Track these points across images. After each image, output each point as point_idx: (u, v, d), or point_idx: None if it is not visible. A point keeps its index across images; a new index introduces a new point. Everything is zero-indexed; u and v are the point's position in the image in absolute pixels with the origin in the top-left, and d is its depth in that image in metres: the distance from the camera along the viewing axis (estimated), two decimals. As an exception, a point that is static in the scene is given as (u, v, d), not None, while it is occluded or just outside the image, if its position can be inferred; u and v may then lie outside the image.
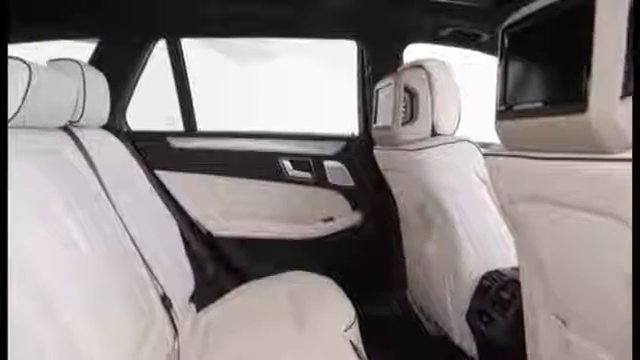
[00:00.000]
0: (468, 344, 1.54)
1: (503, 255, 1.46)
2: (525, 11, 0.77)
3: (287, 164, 2.21)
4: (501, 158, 0.91)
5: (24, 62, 0.98)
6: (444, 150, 1.46)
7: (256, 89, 3.76)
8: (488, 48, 1.97)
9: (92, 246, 1.06)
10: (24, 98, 0.97)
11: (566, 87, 0.68)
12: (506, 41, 0.84)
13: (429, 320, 1.93)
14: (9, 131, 0.98)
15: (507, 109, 0.85)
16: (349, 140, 2.24)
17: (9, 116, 0.96)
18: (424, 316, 1.97)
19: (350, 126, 2.28)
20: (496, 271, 1.43)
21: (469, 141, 1.46)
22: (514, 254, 1.37)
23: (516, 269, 1.38)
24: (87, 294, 0.96)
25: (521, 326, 1.06)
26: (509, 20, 0.82)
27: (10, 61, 0.97)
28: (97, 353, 0.91)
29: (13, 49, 1.85)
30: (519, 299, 1.21)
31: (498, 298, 1.34)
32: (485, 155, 0.97)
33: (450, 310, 1.59)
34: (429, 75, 1.54)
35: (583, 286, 0.79)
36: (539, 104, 0.75)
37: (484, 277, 1.44)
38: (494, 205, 1.44)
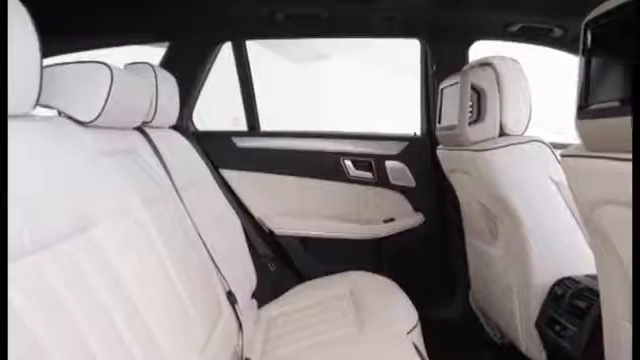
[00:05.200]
0: (536, 353, 1.48)
1: (577, 261, 1.39)
2: (611, 3, 0.73)
3: (349, 164, 2.21)
4: (580, 159, 0.86)
5: (107, 66, 1.04)
6: (513, 150, 1.41)
7: (316, 89, 3.79)
8: (561, 44, 1.87)
9: (165, 242, 1.10)
10: (106, 100, 1.02)
11: None
12: (589, 36, 0.80)
13: (492, 325, 1.87)
14: (91, 130, 1.04)
15: (588, 107, 0.80)
16: (411, 140, 2.20)
17: (92, 117, 1.02)
18: (487, 321, 1.91)
19: (412, 126, 2.24)
20: (569, 278, 1.36)
21: (541, 141, 1.40)
22: (588, 260, 1.31)
23: (591, 276, 1.31)
24: (159, 286, 1.01)
25: (599, 338, 1.00)
26: (593, 13, 0.78)
27: (95, 65, 1.03)
28: (170, 344, 0.94)
29: (84, 55, 1.97)
30: (596, 309, 1.14)
31: (572, 307, 1.27)
32: (563, 156, 0.92)
33: (517, 316, 1.53)
34: (497, 73, 1.49)
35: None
36: (624, 102, 0.70)
37: (556, 284, 1.37)
38: (568, 208, 1.38)
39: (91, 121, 1.03)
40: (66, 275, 0.75)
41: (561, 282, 1.37)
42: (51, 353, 0.66)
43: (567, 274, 1.39)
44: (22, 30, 0.74)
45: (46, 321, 0.68)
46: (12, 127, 0.74)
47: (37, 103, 0.80)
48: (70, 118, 1.02)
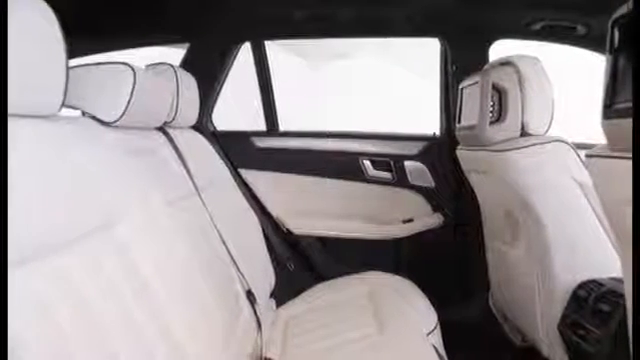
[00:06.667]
0: (559, 357, 1.46)
1: (600, 263, 1.36)
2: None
3: (367, 164, 2.20)
4: (605, 159, 0.85)
5: (130, 67, 1.05)
6: (535, 151, 1.39)
7: (335, 88, 3.78)
8: (585, 42, 1.84)
9: (185, 241, 1.11)
10: (129, 100, 1.04)
11: None
12: (616, 33, 0.78)
13: (512, 327, 1.85)
14: (114, 130, 1.05)
15: (614, 106, 0.79)
16: (430, 140, 2.19)
17: (115, 117, 1.03)
18: (507, 323, 1.89)
19: (431, 126, 2.23)
20: (593, 280, 1.34)
21: (564, 141, 1.38)
22: (613, 262, 1.28)
23: (616, 279, 1.28)
24: (180, 285, 1.01)
25: (624, 342, 0.98)
26: (620, 11, 0.76)
27: (118, 66, 1.04)
28: (191, 343, 0.95)
29: (105, 56, 2.00)
30: (621, 312, 1.12)
31: (596, 310, 1.25)
32: (588, 156, 0.91)
33: (539, 319, 1.51)
34: (519, 72, 1.47)
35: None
36: None
37: (579, 286, 1.35)
38: (592, 209, 1.35)
39: (114, 121, 1.04)
40: (90, 273, 0.76)
41: (584, 285, 1.34)
42: (75, 349, 0.67)
43: (590, 276, 1.36)
44: (49, 32, 0.75)
45: (71, 319, 0.69)
46: (38, 128, 0.76)
47: (63, 104, 0.81)
48: (94, 118, 1.04)
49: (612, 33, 0.79)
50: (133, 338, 0.79)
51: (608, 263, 1.32)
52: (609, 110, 0.81)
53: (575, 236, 1.38)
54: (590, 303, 1.28)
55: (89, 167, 0.86)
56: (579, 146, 1.38)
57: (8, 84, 0.65)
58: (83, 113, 1.05)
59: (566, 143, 1.37)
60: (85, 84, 1.02)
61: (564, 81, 1.73)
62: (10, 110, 0.68)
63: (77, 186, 0.80)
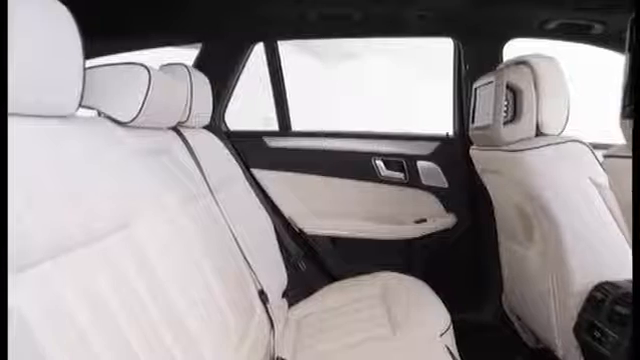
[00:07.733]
0: (573, 359, 1.44)
1: (618, 265, 1.34)
2: None
3: (380, 164, 2.20)
4: (624, 159, 0.83)
5: (145, 67, 1.06)
6: (550, 151, 1.37)
7: (346, 89, 3.77)
8: (602, 41, 1.81)
9: (200, 241, 1.12)
10: (144, 101, 1.04)
11: None
12: (635, 31, 0.77)
13: (526, 329, 1.83)
14: (129, 130, 1.06)
15: (635, 106, 0.77)
16: (444, 140, 2.18)
17: (131, 117, 1.04)
18: (521, 325, 1.87)
19: (444, 126, 2.21)
20: (609, 282, 1.32)
21: (580, 141, 1.36)
22: (630, 264, 1.26)
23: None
24: (197, 285, 1.02)
25: None
26: None
27: (134, 66, 1.05)
28: (207, 344, 0.95)
29: (117, 57, 2.02)
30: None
31: (613, 313, 1.23)
32: (605, 156, 0.89)
33: (554, 321, 1.49)
34: (534, 72, 1.45)
35: None
36: None
37: (595, 288, 1.33)
38: (609, 210, 1.33)
39: (130, 121, 1.05)
40: (106, 273, 0.76)
41: (601, 287, 1.32)
42: (93, 347, 0.68)
43: (607, 278, 1.34)
44: (67, 33, 0.76)
45: (87, 318, 0.69)
46: (55, 128, 0.77)
47: (80, 104, 0.82)
48: (110, 118, 1.04)
49: (631, 32, 0.78)
50: (149, 336, 0.80)
51: (625, 265, 1.30)
52: (627, 109, 0.79)
53: (591, 237, 1.36)
54: (607, 305, 1.26)
55: (104, 167, 0.86)
56: (596, 146, 1.36)
57: (18, 84, 0.65)
58: (99, 113, 1.06)
59: (582, 143, 1.35)
60: (101, 84, 1.03)
61: (581, 80, 1.71)
62: (24, 110, 0.69)
63: (92, 186, 0.80)
